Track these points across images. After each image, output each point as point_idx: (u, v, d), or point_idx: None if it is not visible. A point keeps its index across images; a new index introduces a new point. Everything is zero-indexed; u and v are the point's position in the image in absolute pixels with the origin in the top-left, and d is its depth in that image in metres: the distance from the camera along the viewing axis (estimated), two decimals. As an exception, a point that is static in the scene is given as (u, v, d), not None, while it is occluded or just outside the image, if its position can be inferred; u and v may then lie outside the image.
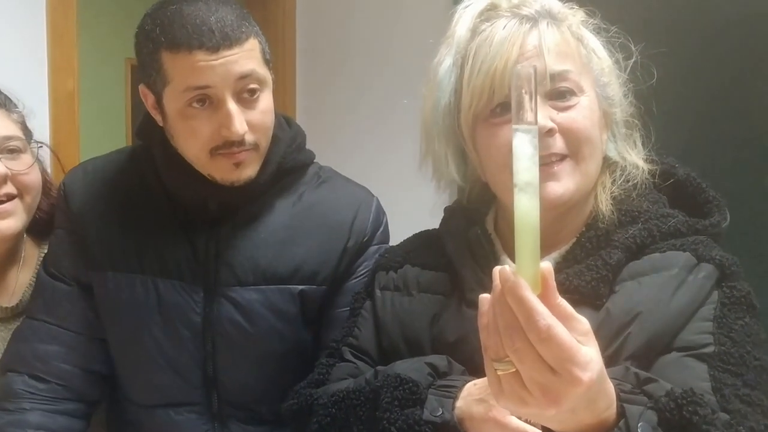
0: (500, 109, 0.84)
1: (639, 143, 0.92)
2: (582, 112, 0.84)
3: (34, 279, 1.23)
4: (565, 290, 0.82)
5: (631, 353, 0.79)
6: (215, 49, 0.98)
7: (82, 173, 1.19)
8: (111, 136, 2.17)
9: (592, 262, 0.84)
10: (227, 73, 0.99)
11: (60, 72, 1.89)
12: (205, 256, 1.11)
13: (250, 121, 1.03)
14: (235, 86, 1.00)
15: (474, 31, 0.87)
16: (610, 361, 0.79)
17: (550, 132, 0.82)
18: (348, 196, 1.17)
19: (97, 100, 2.10)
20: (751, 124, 1.89)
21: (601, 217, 0.86)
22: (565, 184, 0.84)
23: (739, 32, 1.89)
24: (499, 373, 0.62)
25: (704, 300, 0.81)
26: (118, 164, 1.20)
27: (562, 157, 0.84)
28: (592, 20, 0.90)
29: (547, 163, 0.82)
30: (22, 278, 1.26)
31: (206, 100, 1.01)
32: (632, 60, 0.90)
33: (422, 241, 1.01)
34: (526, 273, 0.62)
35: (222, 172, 1.05)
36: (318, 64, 2.63)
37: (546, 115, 0.82)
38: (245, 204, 1.12)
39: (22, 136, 1.24)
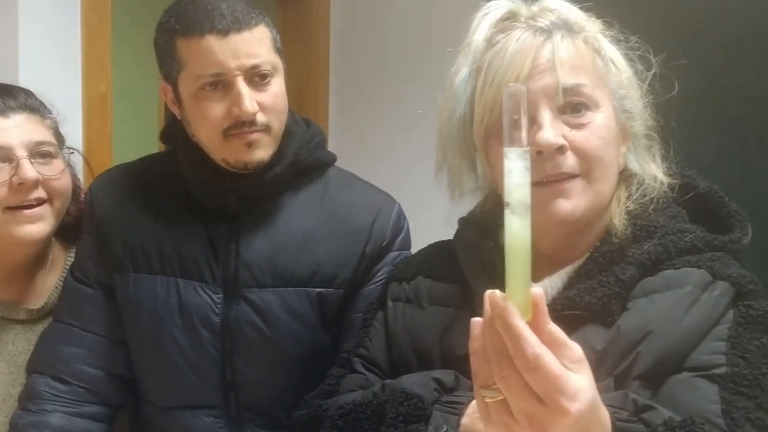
0: None
1: (658, 156, 0.90)
2: (596, 131, 0.82)
3: (61, 282, 1.26)
4: (576, 306, 0.81)
5: (641, 372, 0.77)
6: (225, 32, 1.02)
7: (108, 179, 1.23)
8: (144, 139, 2.20)
9: (604, 278, 0.82)
10: (237, 54, 1.03)
11: (93, 76, 1.92)
12: (226, 257, 1.13)
13: (261, 102, 1.06)
14: (245, 69, 1.04)
15: (489, 42, 0.86)
16: (618, 380, 0.78)
17: (561, 149, 0.81)
18: (369, 199, 1.18)
19: (130, 103, 2.13)
20: None
21: (615, 231, 0.84)
22: (575, 201, 0.82)
23: (757, 42, 1.88)
24: (487, 400, 0.62)
25: (719, 319, 0.79)
26: (142, 169, 1.23)
27: (573, 176, 0.82)
28: (610, 31, 0.88)
29: (557, 180, 0.81)
30: (49, 281, 1.29)
31: (218, 83, 1.05)
32: (652, 72, 0.88)
33: (436, 252, 1.01)
34: (516, 298, 0.60)
35: (235, 153, 1.08)
36: (350, 73, 2.64)
37: (558, 132, 0.81)
38: (264, 200, 1.14)
39: (55, 142, 1.27)
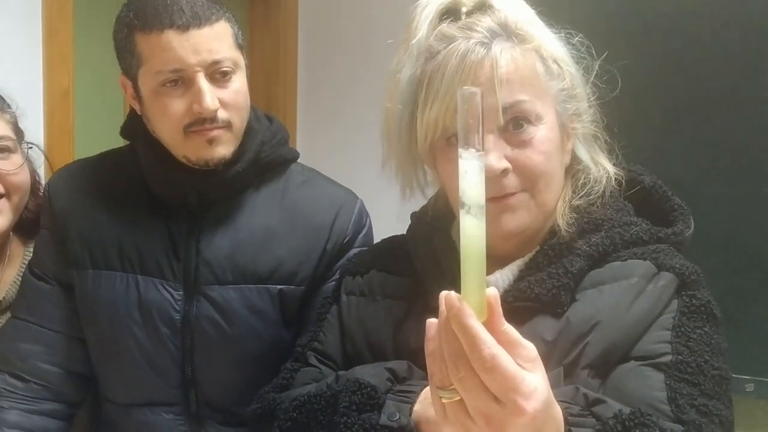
0: (456, 139, 0.83)
1: (604, 150, 0.92)
2: (538, 147, 0.83)
3: (19, 277, 1.25)
4: (527, 298, 0.83)
5: (590, 362, 0.79)
6: (185, 27, 1.02)
7: (66, 174, 1.22)
8: (107, 135, 2.17)
9: (554, 270, 0.84)
10: (197, 50, 1.03)
11: (55, 70, 1.90)
12: (186, 254, 1.13)
13: (222, 99, 1.06)
14: (206, 65, 1.04)
15: (430, 52, 0.85)
16: (568, 369, 0.80)
17: (503, 173, 0.82)
18: (330, 196, 1.19)
19: (93, 97, 2.10)
20: (719, 131, 1.94)
21: (558, 228, 0.86)
22: (520, 215, 0.84)
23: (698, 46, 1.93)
24: (444, 401, 0.63)
25: (663, 309, 0.81)
26: (102, 164, 1.22)
27: (517, 191, 0.84)
28: (553, 30, 0.89)
29: (502, 195, 0.82)
30: (6, 276, 1.28)
31: (178, 80, 1.05)
32: (594, 72, 0.90)
33: (390, 246, 1.02)
34: (471, 299, 0.61)
35: (196, 150, 1.07)
36: (319, 69, 2.64)
37: (500, 155, 0.81)
38: (225, 197, 1.14)
39: (14, 137, 1.26)
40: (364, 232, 1.18)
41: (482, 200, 0.62)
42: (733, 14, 1.97)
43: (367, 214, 1.20)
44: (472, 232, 0.62)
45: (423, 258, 0.93)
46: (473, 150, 0.62)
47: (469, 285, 0.62)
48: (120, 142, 2.06)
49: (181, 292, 1.12)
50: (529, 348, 0.62)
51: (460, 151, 0.62)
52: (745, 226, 1.99)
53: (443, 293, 0.62)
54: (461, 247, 0.62)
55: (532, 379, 0.61)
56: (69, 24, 1.93)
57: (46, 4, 1.85)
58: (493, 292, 0.62)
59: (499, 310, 0.61)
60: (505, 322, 0.62)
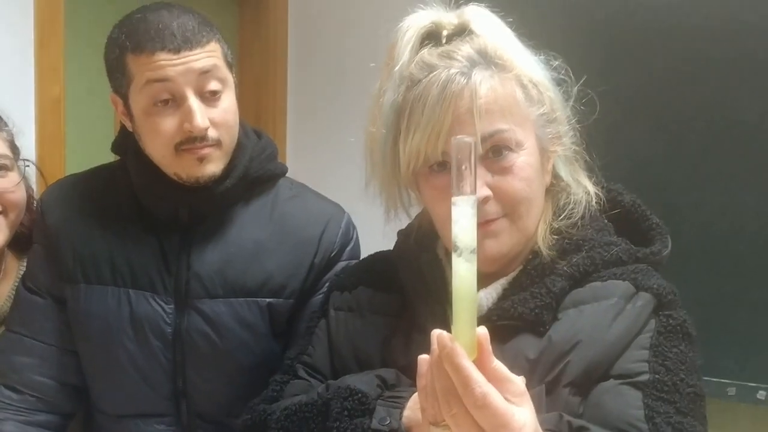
0: (438, 166, 0.86)
1: (584, 171, 0.95)
2: (519, 173, 0.85)
3: (13, 291, 1.27)
4: (510, 317, 0.86)
5: (571, 380, 0.82)
6: (176, 50, 1.04)
7: (59, 190, 1.24)
8: (98, 143, 2.19)
9: (536, 290, 0.87)
10: (188, 70, 1.05)
11: (46, 78, 1.90)
12: (177, 268, 1.15)
13: (212, 118, 1.08)
14: (196, 83, 1.06)
15: (412, 80, 0.87)
16: (549, 387, 0.83)
17: (485, 200, 0.84)
18: (318, 211, 1.21)
19: (84, 106, 2.12)
20: (700, 138, 2.00)
21: (539, 250, 0.89)
22: (502, 240, 0.86)
23: (685, 53, 2.00)
24: None
25: (641, 328, 0.84)
26: (93, 179, 1.24)
27: (499, 217, 0.86)
28: (532, 54, 0.91)
29: (484, 222, 0.84)
30: (1, 290, 1.30)
31: (169, 100, 1.06)
32: (572, 99, 0.92)
33: (377, 262, 1.04)
34: (463, 338, 0.65)
35: (186, 168, 1.10)
36: (309, 77, 2.67)
37: (482, 182, 0.83)
38: (215, 212, 1.16)
39: (11, 155, 1.28)
40: (351, 245, 1.21)
41: (474, 244, 0.65)
42: (712, 25, 2.02)
43: (354, 228, 1.23)
44: (464, 274, 0.65)
45: (409, 276, 0.95)
46: (465, 197, 0.65)
47: (461, 324, 0.65)
48: (110, 152, 2.07)
49: (172, 306, 1.14)
50: (518, 383, 0.66)
51: (454, 198, 0.65)
52: (726, 232, 2.03)
53: (435, 332, 0.66)
54: (453, 288, 0.65)
55: (521, 415, 0.65)
56: (60, 34, 1.94)
57: (37, 14, 1.86)
58: (483, 331, 0.65)
59: (489, 348, 0.65)
60: (495, 359, 0.66)
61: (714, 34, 2.01)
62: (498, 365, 0.65)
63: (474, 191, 0.65)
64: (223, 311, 1.13)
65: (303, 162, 2.65)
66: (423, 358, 0.68)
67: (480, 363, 0.64)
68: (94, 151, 2.16)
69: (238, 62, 2.68)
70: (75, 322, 1.18)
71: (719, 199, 2.02)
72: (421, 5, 0.95)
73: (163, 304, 1.13)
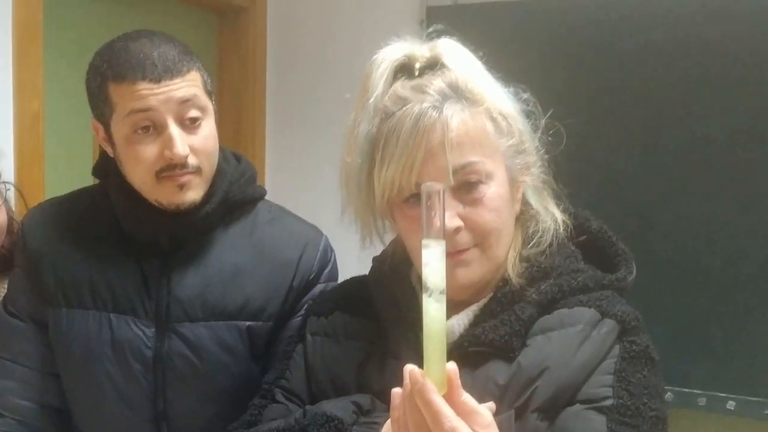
0: (412, 198, 0.88)
1: (552, 198, 0.98)
2: (489, 204, 0.88)
3: None
4: (481, 344, 0.89)
5: (539, 406, 0.85)
6: (157, 80, 1.06)
7: (40, 214, 1.25)
8: (76, 157, 2.19)
9: (506, 317, 0.90)
10: (169, 99, 1.07)
11: (25, 94, 1.91)
12: (158, 292, 1.16)
13: (192, 145, 1.10)
14: (177, 111, 1.08)
15: (386, 112, 0.90)
16: (518, 412, 0.86)
17: (456, 230, 0.87)
18: (296, 234, 1.23)
19: (63, 121, 2.12)
20: (672, 154, 2.08)
21: (509, 277, 0.92)
22: (473, 269, 0.89)
23: (658, 68, 2.09)
24: None
25: (606, 354, 0.87)
26: (74, 203, 1.26)
27: (470, 247, 0.89)
28: (502, 87, 0.94)
29: (455, 252, 0.87)
30: None
31: (150, 127, 1.08)
32: (540, 131, 0.96)
33: (352, 287, 1.07)
34: (433, 374, 0.69)
35: (167, 195, 1.11)
36: (287, 88, 2.69)
37: (453, 214, 0.86)
38: (195, 237, 1.18)
39: None
40: (329, 268, 1.23)
41: (443, 285, 0.69)
42: (683, 43, 2.07)
43: (332, 250, 1.25)
44: (434, 314, 0.69)
45: (384, 303, 0.98)
46: (434, 241, 0.69)
47: (431, 361, 0.69)
48: (89, 166, 2.08)
49: (153, 329, 1.15)
50: (485, 415, 0.70)
51: (423, 242, 0.69)
52: (699, 245, 2.09)
53: (407, 367, 0.70)
54: (424, 326, 0.69)
55: None
56: (39, 49, 1.94)
57: (16, 28, 1.87)
58: (453, 367, 0.69)
59: (458, 382, 0.69)
60: (464, 393, 0.70)
61: (686, 52, 2.08)
62: (467, 398, 0.69)
63: (443, 236, 0.69)
64: (204, 334, 1.15)
65: (282, 173, 2.68)
66: (396, 391, 0.72)
67: (450, 397, 0.68)
68: (74, 167, 2.17)
69: (217, 75, 2.70)
70: (57, 345, 1.19)
71: (692, 213, 2.08)
72: (395, 37, 0.98)
73: (143, 327, 1.15)
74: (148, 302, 1.16)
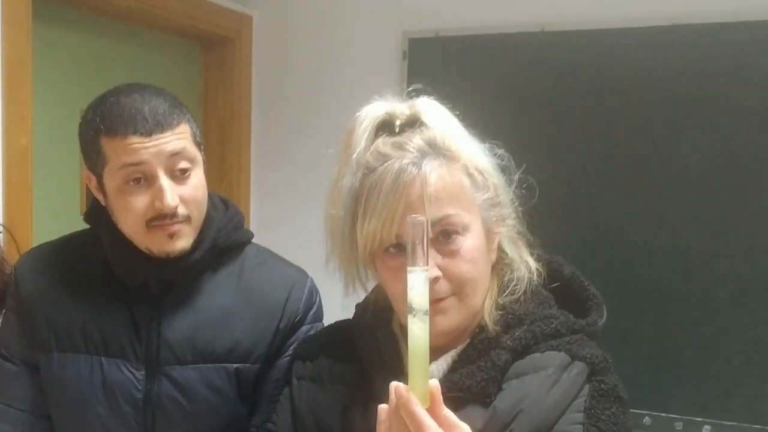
0: (393, 248, 0.93)
1: (526, 246, 1.03)
2: (466, 255, 0.93)
3: None
4: (459, 389, 0.93)
5: None
6: (148, 133, 1.10)
7: (32, 259, 1.29)
8: (64, 192, 2.22)
9: (482, 363, 0.94)
10: (160, 152, 1.11)
11: (14, 129, 1.93)
12: (147, 336, 1.20)
13: (182, 195, 1.14)
14: (167, 163, 1.12)
15: (368, 168, 0.95)
16: None
17: (435, 280, 0.91)
18: (282, 278, 1.27)
19: (51, 156, 2.15)
20: (648, 185, 2.17)
21: (486, 324, 0.97)
22: (451, 317, 0.94)
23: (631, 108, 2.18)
24: None
25: (576, 394, 0.92)
26: (66, 248, 1.29)
27: (448, 295, 0.94)
28: (477, 143, 0.99)
29: (434, 300, 0.91)
30: None
31: (141, 178, 1.12)
32: (514, 184, 1.01)
33: (337, 332, 1.11)
34: (417, 389, 0.75)
35: (158, 243, 1.15)
36: (272, 119, 2.74)
37: (432, 263, 0.90)
38: (185, 282, 1.22)
39: None
40: (314, 309, 1.27)
41: (426, 306, 0.76)
42: (643, 84, 2.16)
43: (317, 292, 1.29)
44: (418, 333, 0.76)
45: (366, 349, 1.02)
46: (419, 267, 0.77)
47: (415, 377, 0.76)
48: (77, 203, 2.10)
49: (143, 372, 1.19)
50: (465, 429, 0.77)
51: (409, 268, 0.77)
52: (674, 271, 2.15)
53: (392, 384, 0.76)
54: (409, 344, 0.76)
55: None
56: (28, 84, 1.96)
57: (5, 64, 1.89)
58: (435, 383, 0.76)
59: (440, 398, 0.76)
60: (445, 408, 0.76)
61: (659, 89, 2.15)
62: (448, 413, 0.77)
63: (426, 263, 0.77)
64: (193, 377, 1.19)
65: (266, 204, 2.72)
66: (382, 407, 0.78)
67: (432, 411, 0.75)
68: (61, 201, 2.20)
69: (203, 106, 2.75)
70: (49, 388, 1.22)
71: (667, 243, 2.14)
72: (377, 96, 1.03)
73: (134, 371, 1.19)
74: (138, 346, 1.19)
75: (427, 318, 0.76)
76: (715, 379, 2.08)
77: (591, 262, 1.94)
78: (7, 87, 1.91)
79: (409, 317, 0.76)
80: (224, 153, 2.71)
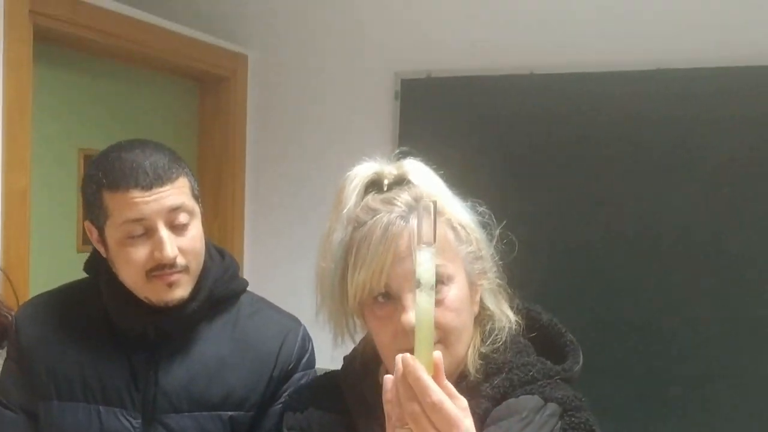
0: (382, 297, 0.98)
1: (506, 298, 1.08)
2: (450, 305, 0.98)
3: None
4: None
5: None
6: (149, 187, 1.15)
7: (32, 309, 1.33)
8: (61, 234, 2.25)
9: None
10: (160, 207, 1.16)
11: (13, 171, 1.97)
12: (145, 384, 1.23)
13: (180, 246, 1.18)
14: (167, 217, 1.17)
15: (358, 221, 1.00)
16: None
17: None
18: (276, 326, 1.31)
19: (49, 198, 2.19)
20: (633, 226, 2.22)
21: (468, 372, 1.01)
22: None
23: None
24: None
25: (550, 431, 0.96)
26: (65, 297, 1.33)
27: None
28: (459, 201, 1.05)
29: None
30: None
31: (142, 231, 1.16)
32: (495, 240, 1.06)
33: (325, 383, 1.15)
34: (422, 358, 0.80)
35: (157, 293, 1.19)
36: (266, 154, 2.80)
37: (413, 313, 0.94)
38: (182, 331, 1.25)
39: None
40: (306, 357, 1.31)
41: (432, 281, 0.80)
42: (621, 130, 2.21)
43: (310, 339, 1.33)
44: (424, 306, 0.80)
45: (353, 399, 1.06)
46: (426, 245, 0.81)
47: (421, 347, 0.80)
48: (74, 246, 2.13)
49: (139, 421, 1.22)
50: (462, 399, 0.82)
51: (417, 247, 0.81)
52: (658, 310, 2.20)
53: (399, 355, 0.80)
54: (416, 317, 0.81)
55: (467, 421, 0.80)
56: (28, 126, 2.00)
57: (6, 107, 1.94)
58: (438, 355, 0.80)
59: (442, 368, 0.80)
60: (445, 378, 0.81)
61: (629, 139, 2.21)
62: (448, 384, 0.81)
63: (433, 241, 0.81)
64: (188, 425, 1.22)
65: (261, 241, 2.76)
66: (387, 377, 0.82)
67: (435, 379, 0.79)
68: (58, 242, 2.23)
69: (198, 143, 2.80)
70: (47, 436, 1.25)
71: (652, 282, 2.19)
72: (366, 158, 1.08)
73: (131, 419, 1.22)
74: (135, 394, 1.23)
75: (432, 293, 0.80)
76: (698, 414, 2.12)
77: (573, 304, 1.99)
78: (7, 129, 1.95)
79: (417, 291, 0.80)
80: (219, 189, 2.76)
